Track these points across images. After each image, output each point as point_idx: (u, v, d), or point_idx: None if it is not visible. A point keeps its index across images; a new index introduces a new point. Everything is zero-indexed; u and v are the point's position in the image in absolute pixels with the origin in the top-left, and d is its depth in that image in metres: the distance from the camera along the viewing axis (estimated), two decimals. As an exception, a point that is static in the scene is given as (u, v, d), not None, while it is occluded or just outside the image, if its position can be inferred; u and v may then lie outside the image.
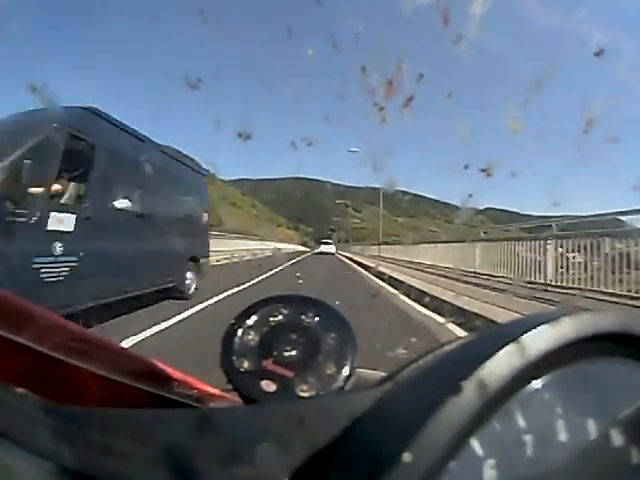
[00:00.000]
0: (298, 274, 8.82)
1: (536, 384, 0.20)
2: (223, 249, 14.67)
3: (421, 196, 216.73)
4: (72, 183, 3.26)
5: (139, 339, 3.43)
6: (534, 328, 0.20)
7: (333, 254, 33.21)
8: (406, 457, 0.16)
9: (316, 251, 38.96)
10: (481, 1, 0.86)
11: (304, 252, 36.24)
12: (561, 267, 6.07)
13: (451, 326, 3.91)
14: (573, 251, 5.83)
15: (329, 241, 39.88)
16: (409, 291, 5.99)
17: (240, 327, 0.39)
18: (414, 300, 5.70)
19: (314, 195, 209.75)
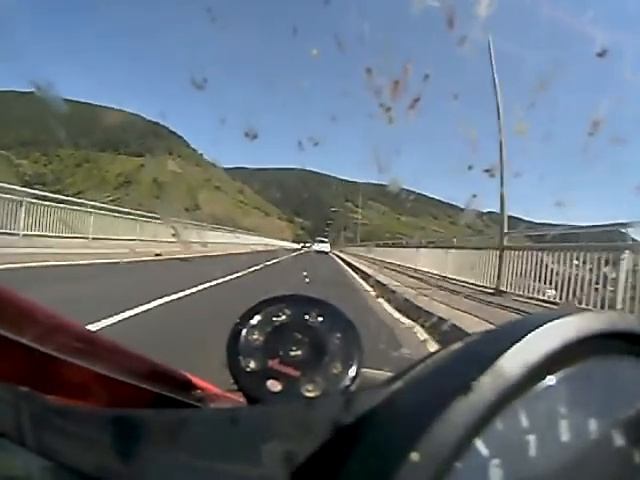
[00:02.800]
0: (305, 273, 8.74)
1: (541, 384, 0.20)
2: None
3: (425, 196, 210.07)
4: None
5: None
6: (540, 327, 0.20)
7: (327, 253, 31.74)
8: (414, 457, 0.16)
9: (306, 248, 37.03)
10: (487, 2, 0.86)
11: (293, 250, 31.86)
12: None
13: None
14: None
15: (324, 240, 38.64)
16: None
17: (245, 327, 0.38)
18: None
19: (315, 188, 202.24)
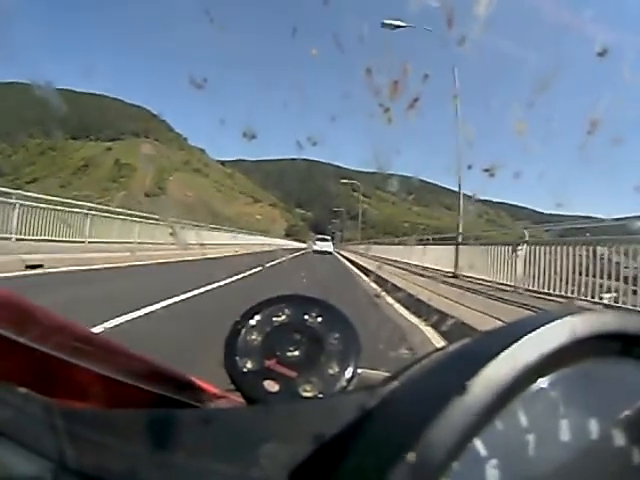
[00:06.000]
0: (302, 274, 8.56)
1: (539, 384, 0.21)
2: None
3: (435, 185, 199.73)
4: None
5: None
6: (536, 329, 0.20)
7: (331, 253, 27.66)
8: (410, 457, 0.16)
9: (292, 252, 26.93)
10: (486, 2, 0.86)
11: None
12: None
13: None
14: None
15: (326, 237, 33.66)
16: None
17: (243, 327, 0.39)
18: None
19: (318, 179, 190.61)
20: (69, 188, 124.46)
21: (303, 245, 42.25)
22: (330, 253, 27.62)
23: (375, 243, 23.15)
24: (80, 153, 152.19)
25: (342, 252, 28.15)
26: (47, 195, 10.72)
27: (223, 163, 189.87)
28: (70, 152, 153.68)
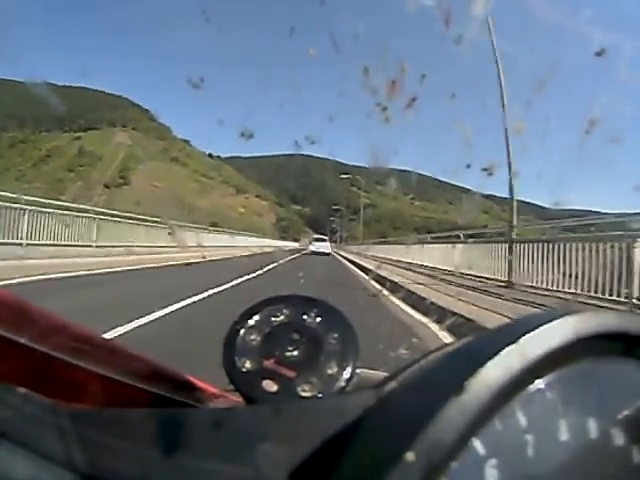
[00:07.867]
0: (300, 274, 8.51)
1: (538, 384, 0.21)
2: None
3: (436, 179, 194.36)
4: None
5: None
6: (536, 328, 0.20)
7: (329, 254, 25.77)
8: (409, 457, 0.16)
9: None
10: (484, 1, 0.87)
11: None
12: None
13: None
14: None
15: (323, 237, 31.96)
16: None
17: (242, 327, 0.39)
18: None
19: (316, 174, 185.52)
20: (22, 181, 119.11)
21: (295, 245, 37.62)
22: (328, 254, 25.77)
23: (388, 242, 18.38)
24: (49, 144, 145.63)
25: (348, 255, 23.74)
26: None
27: (211, 155, 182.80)
28: (40, 144, 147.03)
